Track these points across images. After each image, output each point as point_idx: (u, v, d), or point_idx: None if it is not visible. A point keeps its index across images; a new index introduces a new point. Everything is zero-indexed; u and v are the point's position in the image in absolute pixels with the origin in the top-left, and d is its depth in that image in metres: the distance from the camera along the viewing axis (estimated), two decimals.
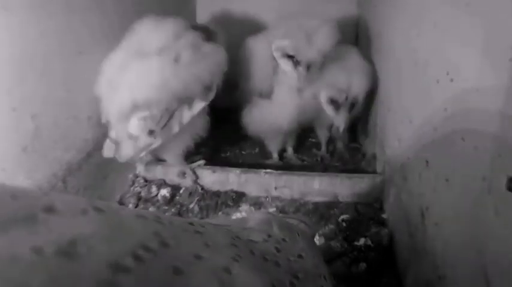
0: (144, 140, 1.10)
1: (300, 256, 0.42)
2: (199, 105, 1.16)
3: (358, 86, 1.28)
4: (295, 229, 0.54)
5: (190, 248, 0.30)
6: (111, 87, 1.06)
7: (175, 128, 1.14)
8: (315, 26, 1.22)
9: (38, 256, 0.22)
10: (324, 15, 1.32)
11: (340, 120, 1.30)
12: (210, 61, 1.14)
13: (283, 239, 0.44)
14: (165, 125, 1.11)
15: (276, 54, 1.24)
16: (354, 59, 1.34)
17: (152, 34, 1.11)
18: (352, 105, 1.29)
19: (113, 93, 1.06)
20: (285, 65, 1.23)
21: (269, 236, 0.42)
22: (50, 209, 0.25)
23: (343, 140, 1.50)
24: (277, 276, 0.35)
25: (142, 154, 1.15)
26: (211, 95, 1.18)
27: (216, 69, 1.15)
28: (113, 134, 1.12)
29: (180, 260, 0.27)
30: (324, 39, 1.20)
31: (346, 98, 1.28)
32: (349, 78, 1.28)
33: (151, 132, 1.10)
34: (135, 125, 1.08)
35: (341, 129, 1.32)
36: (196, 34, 1.15)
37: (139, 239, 0.27)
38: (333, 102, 1.28)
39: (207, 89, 1.15)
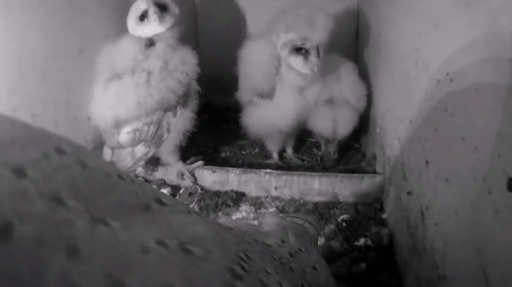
0: (141, 150, 1.16)
1: (314, 268, 0.43)
2: (183, 111, 1.21)
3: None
4: (306, 238, 0.54)
5: (264, 263, 0.33)
6: (97, 107, 1.14)
7: (166, 135, 1.19)
8: (311, 12, 1.22)
9: (164, 248, 0.22)
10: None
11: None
12: (181, 71, 1.17)
13: (300, 249, 0.44)
14: (155, 134, 1.17)
15: (284, 53, 1.23)
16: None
17: (122, 56, 1.14)
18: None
19: (98, 111, 1.14)
20: (295, 62, 1.23)
21: (283, 241, 0.43)
22: (160, 201, 0.26)
23: (336, 149, 1.41)
24: (291, 280, 0.35)
25: (141, 163, 1.21)
26: (192, 101, 1.22)
27: (188, 78, 1.18)
28: (107, 142, 1.18)
29: (261, 273, 0.30)
30: (324, 19, 1.21)
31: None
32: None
33: (143, 143, 1.16)
34: (125, 139, 1.15)
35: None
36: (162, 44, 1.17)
37: (235, 249, 0.29)
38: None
39: (185, 96, 1.19)
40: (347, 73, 1.36)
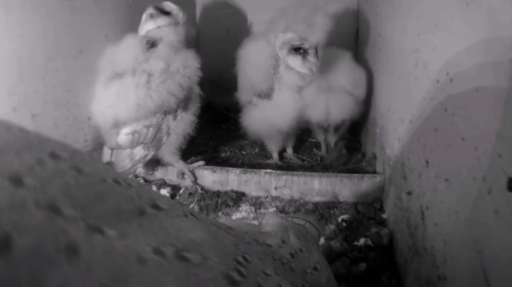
0: (140, 153, 1.16)
1: (315, 269, 0.43)
2: (183, 115, 1.20)
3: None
4: (308, 238, 0.54)
5: (263, 264, 0.32)
6: (97, 106, 1.13)
7: (165, 138, 1.18)
8: (310, 12, 1.22)
9: (161, 257, 0.22)
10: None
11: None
12: (182, 74, 1.16)
13: (300, 250, 0.44)
14: (154, 137, 1.16)
15: (282, 53, 1.23)
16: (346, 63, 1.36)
17: (124, 55, 1.14)
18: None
19: (98, 110, 1.13)
20: (294, 62, 1.23)
21: (283, 242, 0.43)
22: (156, 206, 0.26)
23: (337, 139, 1.46)
24: (292, 281, 0.35)
25: (139, 165, 1.20)
26: (192, 105, 1.22)
27: (189, 82, 1.17)
28: (107, 143, 1.18)
29: (260, 276, 0.30)
30: (323, 19, 1.21)
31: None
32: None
33: (142, 145, 1.16)
34: (124, 140, 1.14)
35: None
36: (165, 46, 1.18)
37: (232, 253, 0.29)
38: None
39: (185, 100, 1.18)
40: (342, 61, 1.36)
